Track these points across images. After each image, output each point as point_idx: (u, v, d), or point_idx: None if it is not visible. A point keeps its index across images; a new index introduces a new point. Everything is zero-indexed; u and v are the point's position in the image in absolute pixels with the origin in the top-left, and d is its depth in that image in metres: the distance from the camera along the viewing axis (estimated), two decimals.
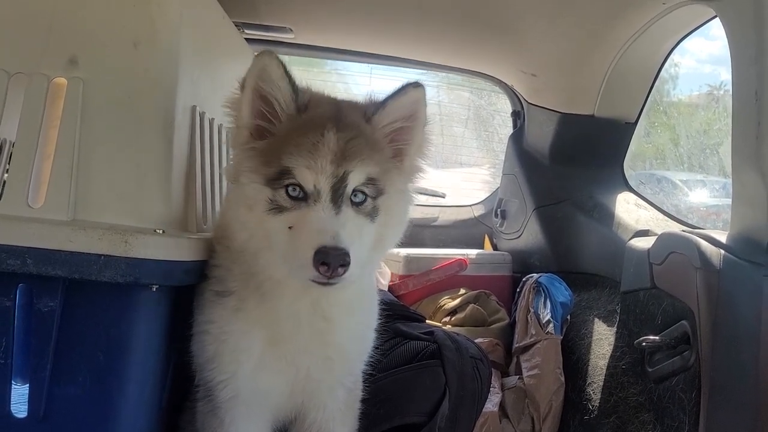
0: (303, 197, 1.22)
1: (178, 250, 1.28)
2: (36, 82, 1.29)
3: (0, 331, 1.25)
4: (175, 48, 1.38)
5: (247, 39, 2.51)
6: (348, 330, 1.41)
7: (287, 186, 1.21)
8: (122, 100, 1.32)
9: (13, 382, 1.28)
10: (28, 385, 1.27)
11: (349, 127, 1.27)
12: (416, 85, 1.30)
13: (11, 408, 1.27)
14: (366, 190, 1.25)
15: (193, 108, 1.47)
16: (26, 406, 1.26)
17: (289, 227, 1.21)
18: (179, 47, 1.39)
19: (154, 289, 1.27)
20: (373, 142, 1.30)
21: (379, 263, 1.34)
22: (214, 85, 1.64)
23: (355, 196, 1.24)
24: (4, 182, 1.30)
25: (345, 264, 1.13)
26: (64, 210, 1.24)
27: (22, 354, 1.28)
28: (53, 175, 1.26)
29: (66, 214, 1.24)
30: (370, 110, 1.31)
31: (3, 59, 1.31)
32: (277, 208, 1.22)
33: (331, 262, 1.12)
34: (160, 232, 1.27)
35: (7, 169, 1.30)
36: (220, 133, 1.65)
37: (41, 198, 1.26)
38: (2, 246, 1.19)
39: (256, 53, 1.32)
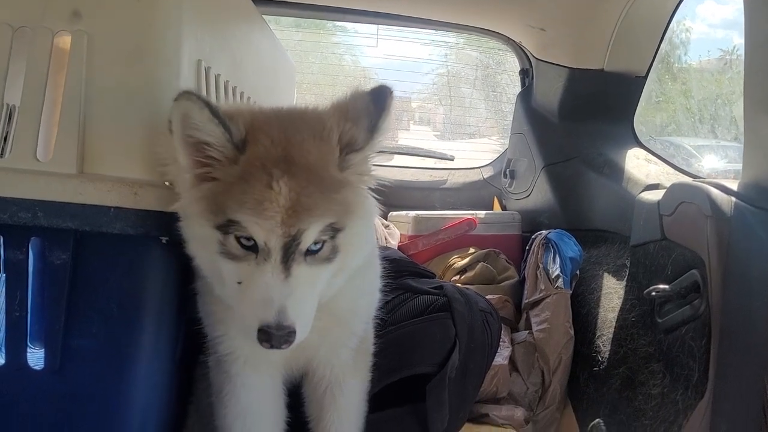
0: (254, 248, 1.11)
1: None
2: (40, 35, 1.28)
3: (14, 284, 1.27)
4: (178, 1, 1.37)
5: None
6: (343, 299, 1.34)
7: (237, 236, 1.11)
8: (127, 53, 1.31)
9: (29, 345, 1.30)
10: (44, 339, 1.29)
11: (303, 171, 1.10)
12: (391, 91, 1.14)
13: (28, 359, 1.29)
14: (324, 237, 1.13)
15: (199, 62, 1.45)
16: (42, 358, 1.29)
17: (239, 282, 1.13)
18: (182, 1, 1.38)
19: (165, 242, 1.28)
20: (332, 181, 1.13)
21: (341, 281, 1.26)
22: (219, 41, 1.62)
23: (316, 244, 1.12)
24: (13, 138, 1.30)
25: (290, 341, 1.07)
26: (72, 163, 1.24)
27: (36, 306, 1.30)
28: (60, 128, 1.26)
29: (74, 167, 1.24)
30: (357, 143, 1.15)
31: (6, 13, 1.30)
32: (228, 254, 1.13)
33: (274, 344, 1.06)
34: (169, 184, 1.27)
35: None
36: (226, 88, 1.64)
37: (50, 152, 1.27)
38: (13, 199, 1.21)
39: (182, 98, 1.12)
